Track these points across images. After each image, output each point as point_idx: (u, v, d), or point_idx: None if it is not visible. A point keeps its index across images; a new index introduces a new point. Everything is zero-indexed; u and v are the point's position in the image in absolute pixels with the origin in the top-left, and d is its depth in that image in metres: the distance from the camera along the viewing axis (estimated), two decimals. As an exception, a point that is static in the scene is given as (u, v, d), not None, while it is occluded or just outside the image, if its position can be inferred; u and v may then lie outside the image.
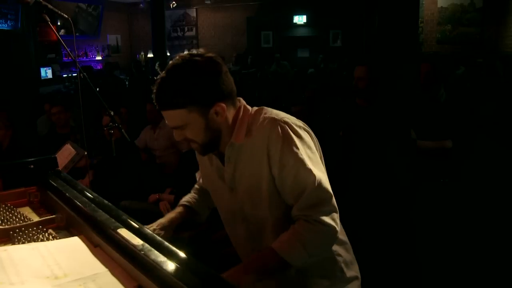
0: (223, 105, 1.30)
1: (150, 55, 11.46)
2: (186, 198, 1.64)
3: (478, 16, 9.14)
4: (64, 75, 10.06)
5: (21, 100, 6.12)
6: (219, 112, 1.31)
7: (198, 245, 2.38)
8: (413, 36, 6.22)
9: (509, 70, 6.30)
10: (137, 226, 1.12)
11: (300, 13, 11.44)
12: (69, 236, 1.29)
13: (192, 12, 12.77)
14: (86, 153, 2.89)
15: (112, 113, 3.08)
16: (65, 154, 2.92)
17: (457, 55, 8.12)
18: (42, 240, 1.26)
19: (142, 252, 0.99)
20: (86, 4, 11.21)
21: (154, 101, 1.29)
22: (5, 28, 6.67)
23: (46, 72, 9.26)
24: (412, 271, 2.70)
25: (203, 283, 0.90)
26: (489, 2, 8.96)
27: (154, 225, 1.49)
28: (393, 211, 2.88)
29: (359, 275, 1.52)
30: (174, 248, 1.00)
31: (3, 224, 1.36)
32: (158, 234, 1.27)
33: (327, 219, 1.27)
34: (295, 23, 11.65)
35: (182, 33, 12.99)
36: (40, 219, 1.41)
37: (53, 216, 1.41)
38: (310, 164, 1.30)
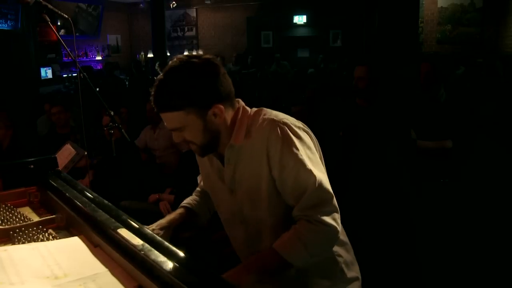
0: (221, 106, 1.31)
1: (150, 55, 11.46)
2: (187, 200, 1.64)
3: (478, 16, 9.13)
4: (64, 75, 10.05)
5: (21, 100, 6.12)
6: (217, 113, 1.31)
7: (198, 245, 2.38)
8: (413, 36, 6.24)
9: (509, 70, 6.30)
10: (137, 226, 1.12)
11: (300, 13, 11.43)
12: (69, 236, 1.29)
13: (192, 12, 12.76)
14: (86, 153, 2.89)
15: (112, 113, 3.08)
16: (65, 154, 2.92)
17: (457, 55, 8.12)
18: (42, 240, 1.26)
19: (142, 252, 0.99)
20: (86, 4, 11.20)
21: (152, 104, 1.30)
22: (5, 28, 6.66)
23: (46, 72, 9.26)
24: (412, 271, 2.70)
25: (203, 283, 0.90)
26: (489, 2, 8.95)
27: (154, 225, 1.49)
28: (393, 211, 2.88)
29: (359, 275, 1.52)
30: (174, 248, 1.00)
31: (3, 224, 1.36)
32: (157, 235, 1.27)
33: (328, 219, 1.27)
34: (295, 23, 11.64)
35: (182, 33, 12.98)
36: (40, 219, 1.41)
37: (53, 216, 1.41)
38: (310, 165, 1.30)
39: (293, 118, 1.40)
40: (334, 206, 1.31)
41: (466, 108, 3.27)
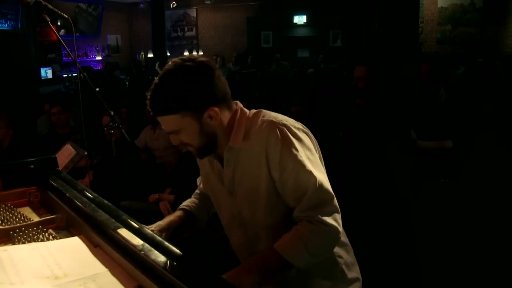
0: (217, 109, 1.31)
1: (150, 55, 11.46)
2: (186, 203, 1.64)
3: (478, 16, 9.14)
4: (64, 75, 10.06)
5: (21, 100, 6.11)
6: (213, 116, 1.31)
7: (198, 245, 2.38)
8: (413, 36, 6.23)
9: (509, 70, 6.31)
10: (137, 226, 1.12)
11: (300, 13, 11.43)
12: (69, 236, 1.29)
13: (192, 12, 12.76)
14: (86, 153, 2.89)
15: (112, 113, 3.08)
16: (65, 154, 2.92)
17: (457, 55, 8.13)
18: (42, 240, 1.26)
19: (142, 252, 0.99)
20: (86, 4, 11.20)
21: (148, 107, 1.31)
22: (5, 28, 6.66)
23: (46, 72, 9.26)
24: (412, 271, 2.69)
25: (203, 283, 0.90)
26: (489, 2, 8.96)
27: (153, 227, 1.49)
28: (393, 211, 2.88)
29: (360, 276, 1.52)
30: (174, 248, 1.00)
31: (3, 224, 1.36)
32: (156, 235, 1.27)
33: (329, 219, 1.27)
34: (295, 23, 11.65)
35: (182, 33, 12.98)
36: (40, 219, 1.41)
37: (53, 216, 1.41)
38: (310, 166, 1.30)
39: (292, 120, 1.40)
40: (335, 206, 1.30)
41: (466, 108, 3.26)
